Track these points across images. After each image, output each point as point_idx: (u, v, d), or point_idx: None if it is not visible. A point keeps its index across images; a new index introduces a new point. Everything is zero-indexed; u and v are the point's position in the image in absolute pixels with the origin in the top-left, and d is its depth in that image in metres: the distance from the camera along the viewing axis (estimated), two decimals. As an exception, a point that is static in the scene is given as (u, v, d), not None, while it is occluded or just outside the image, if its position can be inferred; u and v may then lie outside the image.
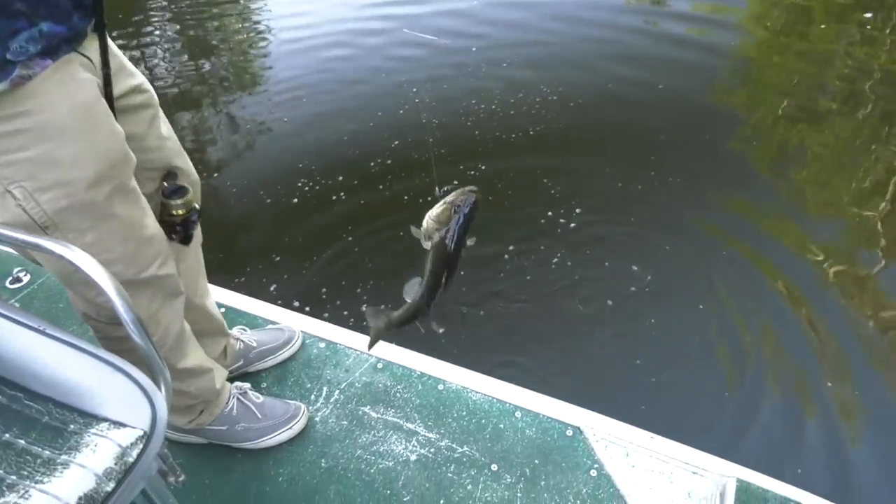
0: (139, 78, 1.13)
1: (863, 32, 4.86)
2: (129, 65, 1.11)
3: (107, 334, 1.17)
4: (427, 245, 1.12)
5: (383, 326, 1.28)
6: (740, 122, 3.90)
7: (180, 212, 1.16)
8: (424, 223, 1.11)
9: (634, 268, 2.76)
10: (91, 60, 0.97)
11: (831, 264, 2.78)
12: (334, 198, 3.24)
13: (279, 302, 2.24)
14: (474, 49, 4.66)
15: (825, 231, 2.99)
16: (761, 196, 3.27)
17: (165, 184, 1.18)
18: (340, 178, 3.35)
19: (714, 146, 3.63)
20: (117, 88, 1.04)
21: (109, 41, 1.02)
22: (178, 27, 5.44)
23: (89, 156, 0.94)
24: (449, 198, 1.10)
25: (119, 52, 1.08)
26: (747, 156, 3.60)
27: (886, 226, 3.00)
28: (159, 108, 1.19)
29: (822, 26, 5.10)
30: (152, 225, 1.11)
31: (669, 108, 3.94)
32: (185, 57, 4.95)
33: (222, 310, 1.89)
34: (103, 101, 0.98)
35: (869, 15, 5.07)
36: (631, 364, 2.35)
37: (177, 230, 1.18)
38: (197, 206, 1.21)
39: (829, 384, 2.26)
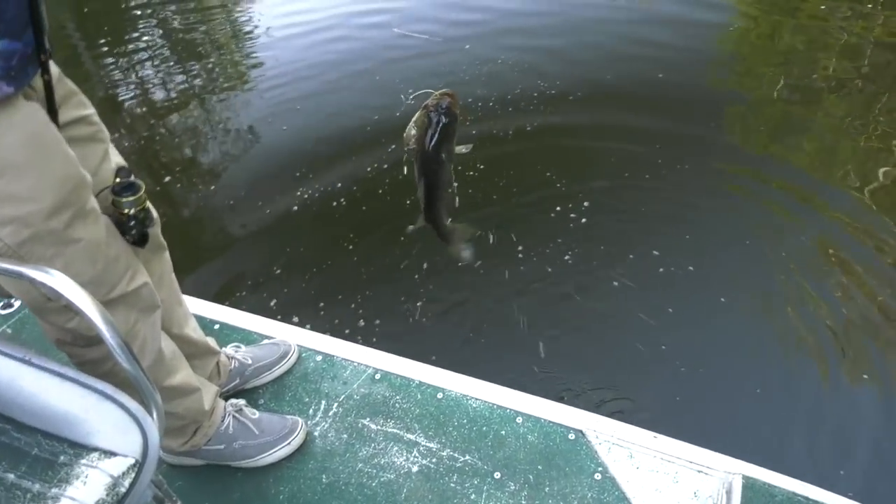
0: (89, 108, 1.09)
1: None
2: (81, 95, 1.07)
3: (83, 358, 1.14)
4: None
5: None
6: (745, 98, 3.89)
7: (131, 211, 1.08)
8: (406, 131, 1.09)
9: (656, 252, 2.78)
10: (34, 88, 0.93)
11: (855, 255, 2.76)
12: (335, 204, 3.22)
13: (279, 317, 2.22)
14: (468, 47, 4.64)
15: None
16: (776, 177, 3.25)
17: (117, 179, 1.11)
18: (339, 185, 3.34)
19: (719, 132, 3.62)
20: (65, 116, 1.00)
21: (54, 66, 0.97)
22: (163, 32, 5.43)
23: (45, 186, 0.91)
24: (427, 102, 1.08)
25: (68, 80, 1.04)
26: (754, 138, 3.58)
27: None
28: (110, 143, 1.14)
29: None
30: (116, 241, 1.08)
31: (671, 99, 3.91)
32: (175, 64, 4.93)
33: (216, 326, 1.89)
34: (52, 126, 0.94)
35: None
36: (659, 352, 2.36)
37: (130, 231, 1.10)
38: (148, 206, 1.13)
39: (865, 376, 2.23)
